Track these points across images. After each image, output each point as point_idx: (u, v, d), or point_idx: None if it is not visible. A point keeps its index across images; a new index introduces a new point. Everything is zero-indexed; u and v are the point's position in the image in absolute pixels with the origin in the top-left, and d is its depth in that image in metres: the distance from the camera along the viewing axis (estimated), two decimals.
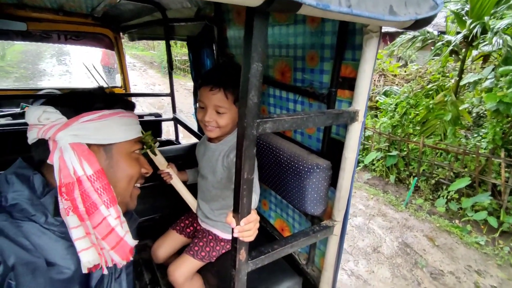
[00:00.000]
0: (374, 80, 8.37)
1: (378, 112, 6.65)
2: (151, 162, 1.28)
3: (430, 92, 5.69)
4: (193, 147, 1.66)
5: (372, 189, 4.55)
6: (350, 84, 0.83)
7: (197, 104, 1.17)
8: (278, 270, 1.20)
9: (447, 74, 6.29)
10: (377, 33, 0.69)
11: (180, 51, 13.70)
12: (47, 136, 0.61)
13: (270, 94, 1.26)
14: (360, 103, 0.77)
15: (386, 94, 6.99)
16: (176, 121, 2.44)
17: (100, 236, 0.62)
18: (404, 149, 4.83)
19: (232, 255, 0.72)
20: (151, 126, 2.56)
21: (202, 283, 1.25)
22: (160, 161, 1.23)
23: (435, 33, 5.25)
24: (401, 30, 0.71)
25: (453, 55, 5.27)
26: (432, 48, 5.53)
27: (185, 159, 1.49)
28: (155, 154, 1.18)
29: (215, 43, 1.62)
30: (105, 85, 3.02)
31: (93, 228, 0.61)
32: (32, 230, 0.59)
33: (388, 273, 2.89)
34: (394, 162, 4.83)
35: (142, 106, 7.19)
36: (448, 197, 4.08)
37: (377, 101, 6.82)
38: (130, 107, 0.77)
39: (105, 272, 0.66)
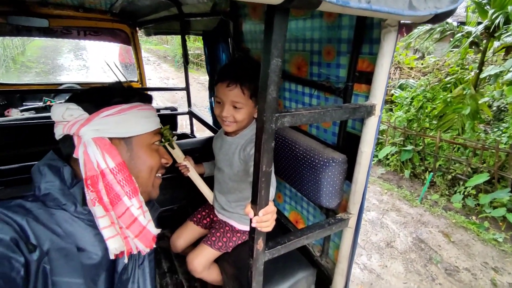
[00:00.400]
0: (390, 73, 8.19)
1: (393, 106, 6.52)
2: (169, 155, 1.32)
3: (448, 85, 5.53)
4: (208, 140, 1.70)
5: (386, 184, 4.50)
6: (367, 78, 0.84)
7: (214, 99, 1.19)
8: (293, 261, 1.22)
9: (467, 67, 6.09)
10: (395, 27, 0.69)
11: (193, 45, 13.77)
12: (71, 132, 0.65)
13: (286, 88, 1.28)
14: (377, 97, 0.77)
15: (401, 87, 6.83)
16: (191, 114, 2.49)
17: (125, 225, 0.65)
18: (420, 143, 4.74)
19: (250, 245, 0.75)
20: (167, 119, 2.61)
21: (219, 272, 1.30)
22: (177, 154, 1.27)
23: (454, 24, 5.07)
24: (419, 23, 0.71)
25: (473, 47, 5.09)
26: (451, 39, 5.35)
27: (202, 152, 1.53)
28: (173, 148, 1.22)
29: (230, 38, 1.64)
30: (123, 80, 3.09)
31: (117, 218, 0.64)
32: (64, 218, 0.63)
33: (402, 268, 2.88)
34: (409, 156, 4.74)
35: (156, 100, 7.30)
36: (465, 193, 3.99)
37: (392, 95, 6.68)
38: (148, 100, 0.80)
39: (125, 260, 0.70)
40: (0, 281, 0.47)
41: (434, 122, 5.17)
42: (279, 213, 1.53)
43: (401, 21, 0.73)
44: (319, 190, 0.99)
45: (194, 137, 2.47)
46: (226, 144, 1.25)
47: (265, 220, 0.70)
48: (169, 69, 12.97)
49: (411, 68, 8.10)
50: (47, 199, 0.63)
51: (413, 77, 7.71)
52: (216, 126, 2.04)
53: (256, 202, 0.68)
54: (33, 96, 3.04)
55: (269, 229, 0.72)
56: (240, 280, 1.11)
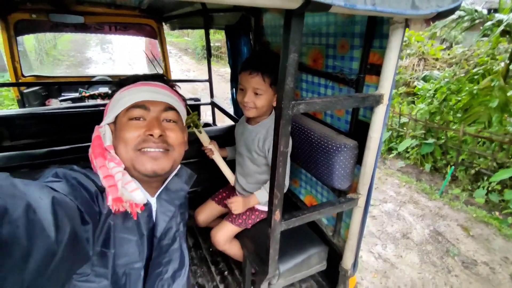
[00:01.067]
0: (413, 65, 7.94)
1: (416, 98, 6.37)
2: (197, 141, 1.46)
3: (476, 77, 5.33)
4: (230, 128, 1.82)
5: (404, 177, 4.47)
6: (377, 70, 0.91)
7: (238, 87, 1.31)
8: (307, 239, 1.33)
9: (497, 57, 5.81)
10: (402, 23, 0.77)
11: (213, 37, 13.91)
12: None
13: (303, 79, 1.37)
14: (385, 88, 0.85)
15: (425, 79, 6.64)
16: (214, 105, 2.62)
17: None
18: (442, 137, 4.65)
19: (268, 216, 0.87)
20: (192, 109, 2.76)
21: (239, 247, 1.43)
22: (204, 138, 1.40)
23: (484, 11, 4.85)
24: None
25: (507, 36, 4.85)
26: (482, 28, 5.13)
27: (224, 139, 1.65)
28: (200, 132, 1.35)
29: (251, 32, 1.74)
30: (154, 72, 3.28)
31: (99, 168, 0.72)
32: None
33: (417, 259, 2.91)
34: (430, 150, 4.67)
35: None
36: (489, 188, 3.90)
37: (415, 87, 6.52)
38: (153, 79, 0.85)
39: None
40: (86, 216, 0.59)
41: (458, 115, 5.03)
42: (295, 197, 1.64)
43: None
44: (332, 173, 1.09)
45: (216, 126, 2.61)
46: (247, 131, 1.37)
47: None
48: (190, 61, 13.23)
49: (437, 59, 7.82)
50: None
51: (438, 69, 7.45)
52: (237, 116, 2.16)
53: (274, 178, 0.79)
54: (69, 87, 3.29)
55: None
56: (259, 253, 1.24)
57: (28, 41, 10.40)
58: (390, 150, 5.30)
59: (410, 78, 7.41)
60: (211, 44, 13.83)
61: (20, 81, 2.80)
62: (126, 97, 0.79)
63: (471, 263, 2.88)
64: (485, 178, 4.01)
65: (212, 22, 2.20)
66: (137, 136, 0.76)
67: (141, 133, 0.76)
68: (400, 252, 2.99)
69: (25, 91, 2.79)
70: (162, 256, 0.83)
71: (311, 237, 1.35)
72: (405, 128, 5.19)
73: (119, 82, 0.85)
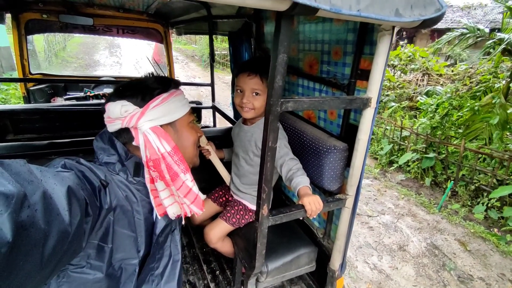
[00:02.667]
0: (417, 79, 8.01)
1: (418, 113, 6.40)
2: None
3: (478, 94, 5.37)
4: (228, 130, 1.86)
5: (404, 190, 4.47)
6: (367, 75, 0.95)
7: (235, 90, 1.35)
8: (297, 239, 1.35)
9: (499, 75, 5.86)
10: (389, 31, 0.81)
11: (220, 45, 14.15)
12: (130, 125, 0.77)
13: (299, 84, 1.41)
14: (373, 92, 0.89)
15: (428, 94, 6.68)
16: (215, 109, 2.67)
17: (182, 195, 0.81)
18: (443, 151, 4.65)
19: (256, 210, 0.90)
20: (193, 112, 2.82)
21: (231, 244, 1.45)
22: (201, 139, 1.44)
23: (486, 30, 4.92)
24: (411, 28, 0.81)
25: (506, 53, 4.91)
26: (483, 46, 5.19)
27: (221, 140, 1.69)
28: None
29: (253, 38, 1.79)
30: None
31: (176, 190, 0.80)
32: (119, 182, 0.78)
33: (413, 271, 2.89)
34: (430, 164, 4.67)
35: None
36: (489, 205, 3.88)
37: (417, 101, 6.56)
38: (178, 84, 0.92)
39: (183, 222, 0.88)
40: (89, 208, 0.61)
41: (460, 130, 5.05)
42: (288, 199, 1.66)
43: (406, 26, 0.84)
44: (322, 174, 1.12)
45: (215, 127, 2.66)
46: (242, 131, 1.41)
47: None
48: (196, 68, 13.42)
49: (440, 75, 7.88)
50: (108, 166, 0.79)
51: (441, 84, 7.50)
52: (237, 120, 2.20)
53: (263, 172, 0.83)
54: (75, 86, 3.37)
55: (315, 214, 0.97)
56: (249, 250, 1.26)
57: (38, 42, 10.65)
58: (391, 163, 5.30)
59: (413, 93, 7.46)
60: (219, 52, 14.00)
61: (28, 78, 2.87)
62: (184, 100, 0.90)
63: (467, 278, 2.86)
64: (485, 194, 3.99)
65: (216, 28, 2.27)
66: (197, 137, 0.95)
67: (197, 135, 0.95)
68: (396, 264, 2.97)
69: (31, 88, 2.87)
70: (157, 252, 0.86)
71: (302, 238, 1.37)
72: (406, 142, 5.21)
73: (163, 82, 0.87)
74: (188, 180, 0.81)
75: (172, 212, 0.82)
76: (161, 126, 0.81)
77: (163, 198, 0.81)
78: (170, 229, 0.92)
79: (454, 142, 4.66)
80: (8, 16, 2.50)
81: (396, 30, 0.83)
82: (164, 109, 0.82)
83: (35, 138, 2.15)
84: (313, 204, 0.97)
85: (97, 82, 3.25)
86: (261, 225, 0.90)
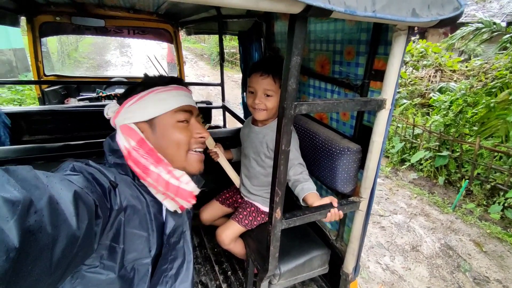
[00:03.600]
0: (429, 76, 7.83)
1: (431, 110, 6.26)
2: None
3: (493, 90, 5.20)
4: (238, 130, 1.86)
5: (416, 189, 4.39)
6: (381, 76, 0.93)
7: (247, 90, 1.34)
8: (309, 242, 1.34)
9: None
10: (405, 31, 0.79)
11: (229, 43, 14.14)
12: (114, 124, 0.81)
13: (311, 84, 1.39)
14: (388, 93, 0.87)
15: (441, 90, 6.53)
16: (225, 108, 2.68)
17: (163, 188, 0.79)
18: (457, 149, 4.54)
19: (270, 213, 0.89)
20: (202, 112, 2.83)
21: (243, 246, 1.45)
22: (209, 141, 1.44)
23: (503, 24, 4.76)
24: (427, 27, 0.79)
25: None
26: (500, 41, 5.03)
27: (231, 141, 1.69)
28: None
29: (263, 38, 1.78)
30: (162, 73, 3.38)
31: (156, 184, 0.78)
32: (128, 182, 0.78)
33: (426, 272, 2.84)
34: (444, 163, 4.56)
35: (193, 96, 7.66)
36: (505, 204, 3.77)
37: (430, 98, 6.42)
38: (169, 82, 0.87)
39: (180, 212, 0.85)
40: (99, 210, 0.61)
41: (475, 128, 4.91)
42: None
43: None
44: (335, 176, 1.10)
45: (225, 128, 2.66)
46: (253, 133, 1.40)
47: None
48: (205, 66, 13.47)
49: (454, 71, 7.68)
50: (118, 167, 0.80)
51: (455, 81, 7.31)
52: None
53: (276, 175, 0.82)
54: (88, 87, 3.43)
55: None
56: (261, 252, 1.25)
57: (51, 43, 10.88)
58: (403, 161, 5.21)
59: (426, 90, 7.30)
60: (228, 51, 14.00)
61: (42, 79, 2.94)
62: (170, 99, 0.83)
63: (483, 279, 2.79)
64: (501, 193, 3.88)
65: (226, 27, 2.26)
66: (188, 138, 0.85)
67: (189, 135, 0.85)
68: (408, 265, 2.92)
69: (45, 89, 2.93)
70: (169, 253, 0.85)
71: (314, 240, 1.36)
72: (418, 140, 5.10)
73: (147, 81, 0.86)
74: (162, 172, 0.78)
75: (170, 206, 0.81)
76: (137, 124, 0.80)
77: (155, 194, 0.80)
78: (182, 230, 0.91)
79: (469, 140, 4.54)
80: (23, 19, 2.56)
81: (412, 29, 0.81)
82: (139, 107, 0.80)
83: (49, 139, 2.20)
84: (333, 216, 0.98)
85: (109, 83, 3.30)
86: (274, 228, 0.89)
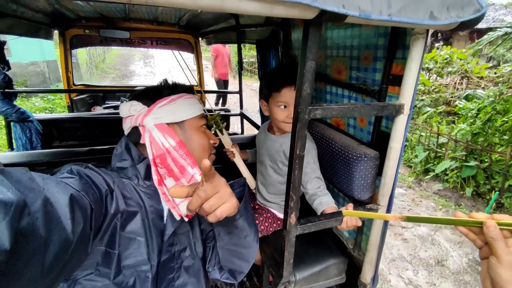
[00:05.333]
0: (455, 83, 7.54)
1: (456, 118, 6.01)
2: (219, 146, 1.52)
3: None
4: (255, 137, 1.87)
5: (442, 200, 4.19)
6: (399, 81, 0.91)
7: (273, 104, 1.26)
8: (326, 249, 1.32)
9: None
10: (423, 34, 0.78)
11: (248, 53, 14.34)
12: (137, 123, 0.81)
13: (327, 91, 1.39)
14: (406, 98, 0.85)
15: (467, 98, 6.26)
16: (243, 116, 2.71)
17: None
18: (486, 160, 4.31)
19: (284, 218, 0.89)
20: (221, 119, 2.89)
21: (259, 251, 1.45)
22: (226, 140, 1.46)
23: None
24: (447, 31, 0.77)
25: None
26: None
27: (247, 147, 1.70)
28: (222, 134, 1.41)
29: (280, 46, 1.80)
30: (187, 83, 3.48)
31: (187, 183, 0.79)
32: (130, 187, 0.80)
33: None
34: (471, 173, 4.34)
35: (212, 103, 7.84)
36: None
37: (455, 106, 6.17)
38: (190, 90, 0.93)
39: (187, 219, 0.84)
40: (94, 214, 0.60)
41: (505, 137, 4.65)
42: None
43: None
44: (352, 183, 1.08)
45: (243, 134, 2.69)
46: (269, 140, 1.40)
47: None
48: None
49: (481, 78, 7.36)
50: (121, 171, 0.82)
51: (483, 88, 7.00)
52: None
53: (290, 180, 0.82)
54: (112, 96, 3.59)
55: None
56: (276, 258, 1.24)
57: (81, 55, 11.51)
58: (426, 171, 5.01)
59: (451, 97, 7.03)
60: (247, 60, 14.17)
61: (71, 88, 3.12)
62: (195, 104, 0.90)
63: None
64: None
65: (245, 36, 2.31)
66: (209, 142, 0.93)
67: (209, 139, 0.93)
68: (433, 280, 2.78)
69: (74, 98, 3.10)
70: (174, 261, 0.85)
71: (331, 248, 1.33)
72: (443, 149, 4.90)
73: (172, 86, 0.91)
74: (197, 174, 0.80)
75: (184, 209, 0.80)
76: (168, 124, 0.83)
77: (164, 201, 0.80)
78: (188, 237, 0.90)
79: (499, 150, 4.30)
80: (55, 33, 2.75)
81: (430, 32, 0.79)
82: (171, 109, 0.84)
83: (77, 144, 2.31)
84: (350, 222, 0.97)
85: (132, 92, 3.45)
86: (289, 233, 0.89)
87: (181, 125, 0.87)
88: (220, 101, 6.83)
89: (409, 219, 0.62)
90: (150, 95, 0.86)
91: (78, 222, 0.52)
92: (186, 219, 0.84)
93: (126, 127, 0.86)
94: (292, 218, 0.87)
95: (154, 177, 0.79)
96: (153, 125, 0.81)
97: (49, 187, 0.50)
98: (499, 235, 0.54)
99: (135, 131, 0.84)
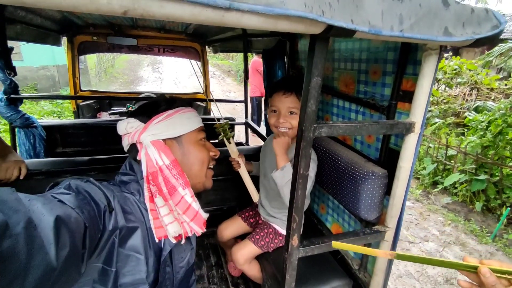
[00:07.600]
0: (464, 94, 7.43)
1: (466, 130, 5.89)
2: (225, 158, 1.48)
3: None
4: (259, 148, 1.84)
5: (450, 214, 4.07)
6: (410, 97, 0.87)
7: (268, 110, 1.32)
8: (329, 270, 1.26)
9: None
10: (436, 50, 0.74)
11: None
12: (134, 140, 0.81)
13: (334, 104, 1.35)
14: (417, 116, 0.81)
15: (477, 110, 6.15)
16: (247, 125, 2.68)
17: (181, 211, 0.78)
18: (496, 173, 4.19)
19: (286, 240, 0.84)
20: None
21: (259, 269, 1.39)
22: (233, 149, 1.42)
23: None
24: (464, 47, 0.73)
25: None
26: None
27: (253, 159, 1.66)
28: (229, 143, 1.38)
29: (286, 56, 1.78)
30: (200, 91, 3.50)
31: (175, 205, 0.78)
32: (132, 202, 0.78)
33: None
34: (482, 187, 4.22)
35: (218, 111, 7.82)
36: None
37: (465, 118, 6.06)
38: (187, 104, 0.92)
39: (183, 241, 0.82)
40: (89, 231, 0.58)
41: None
42: (321, 224, 1.57)
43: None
44: (358, 201, 1.03)
45: (249, 146, 2.65)
46: (273, 154, 1.36)
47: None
48: (231, 83, 13.77)
49: (492, 89, 7.24)
50: (123, 185, 0.81)
51: (493, 99, 6.87)
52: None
53: (293, 200, 0.78)
54: (119, 102, 3.60)
55: None
56: (277, 278, 1.19)
57: (90, 60, 11.69)
58: (435, 184, 4.89)
59: (460, 108, 6.92)
60: None
61: (77, 95, 3.13)
62: (193, 118, 0.89)
63: None
64: None
65: (251, 46, 2.30)
66: (208, 155, 0.92)
67: (208, 153, 0.92)
68: None
69: (80, 104, 3.11)
70: (168, 282, 0.84)
71: (335, 269, 1.27)
72: (452, 161, 4.79)
73: (172, 100, 0.89)
74: (187, 195, 0.79)
75: (173, 231, 0.79)
76: (165, 140, 0.83)
77: (163, 215, 0.78)
78: (184, 261, 0.89)
79: (510, 164, 4.18)
80: (64, 39, 2.77)
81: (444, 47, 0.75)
82: (168, 124, 0.83)
83: (81, 151, 2.30)
84: None
85: (138, 98, 3.46)
86: (291, 256, 0.84)
87: (179, 140, 0.87)
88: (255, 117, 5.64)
89: (399, 257, 0.59)
90: (147, 111, 0.86)
91: (63, 246, 0.50)
92: (174, 241, 0.82)
93: (125, 144, 0.86)
94: (295, 240, 0.82)
95: (146, 193, 0.79)
96: (149, 142, 0.80)
97: (35, 209, 0.48)
98: (496, 280, 0.54)
99: (134, 147, 0.84)
